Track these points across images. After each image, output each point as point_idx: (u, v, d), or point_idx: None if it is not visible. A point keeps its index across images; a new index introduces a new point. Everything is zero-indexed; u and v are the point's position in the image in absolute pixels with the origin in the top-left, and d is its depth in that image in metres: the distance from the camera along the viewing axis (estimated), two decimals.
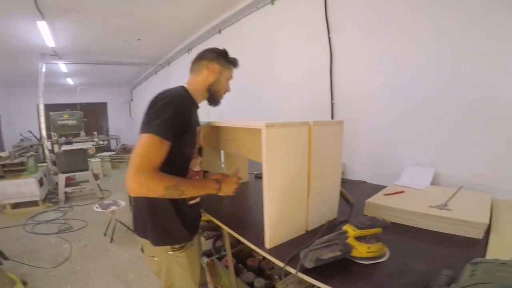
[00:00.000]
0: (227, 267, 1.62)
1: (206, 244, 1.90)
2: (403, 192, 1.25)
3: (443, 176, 1.41)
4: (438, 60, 1.39)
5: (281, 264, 0.84)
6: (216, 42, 3.40)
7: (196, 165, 1.12)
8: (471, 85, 1.29)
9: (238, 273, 1.69)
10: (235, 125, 1.09)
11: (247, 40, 2.84)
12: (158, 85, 6.09)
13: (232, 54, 3.14)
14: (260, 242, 0.95)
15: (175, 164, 0.98)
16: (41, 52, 4.27)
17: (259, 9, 2.58)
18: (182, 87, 1.10)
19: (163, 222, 1.05)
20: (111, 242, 2.93)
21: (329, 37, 1.92)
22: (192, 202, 1.12)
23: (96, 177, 4.78)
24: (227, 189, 1.09)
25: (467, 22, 1.27)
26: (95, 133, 8.54)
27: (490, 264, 0.55)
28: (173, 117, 0.91)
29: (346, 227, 0.79)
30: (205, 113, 4.00)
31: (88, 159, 4.80)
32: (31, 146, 5.46)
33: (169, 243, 1.07)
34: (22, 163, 4.03)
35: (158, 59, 5.43)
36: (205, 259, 1.74)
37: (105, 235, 3.07)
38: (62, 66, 5.41)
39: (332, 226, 1.06)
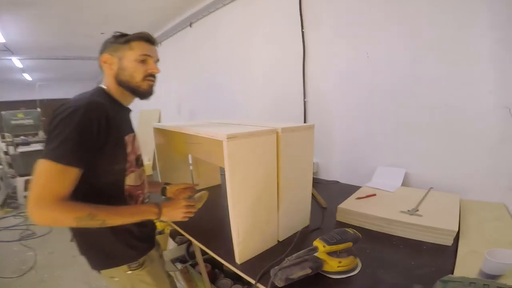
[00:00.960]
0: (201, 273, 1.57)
1: (179, 250, 1.83)
2: (375, 195, 1.25)
3: (414, 177, 1.43)
4: (410, 61, 1.39)
5: (252, 281, 0.80)
6: (187, 36, 3.26)
7: (135, 179, 0.96)
8: (440, 88, 1.30)
9: (214, 279, 1.64)
10: (196, 133, 0.99)
11: (220, 34, 2.74)
12: None
13: (204, 48, 3.04)
14: (230, 257, 0.90)
15: (103, 185, 0.86)
16: None
17: (233, 2, 2.48)
18: (100, 88, 0.94)
19: (98, 243, 0.92)
20: None
21: (302, 32, 1.88)
22: None
23: None
24: (173, 215, 0.94)
25: (442, 21, 1.27)
26: None
27: (459, 283, 0.53)
28: (78, 135, 0.73)
29: (316, 243, 0.76)
30: (175, 111, 3.90)
31: None
32: None
33: (112, 266, 0.95)
34: None
35: None
36: (179, 266, 1.67)
37: (71, 241, 2.87)
38: (17, 62, 4.97)
39: (304, 235, 1.03)
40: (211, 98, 3.04)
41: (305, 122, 1.96)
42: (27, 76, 6.84)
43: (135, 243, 0.96)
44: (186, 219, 0.96)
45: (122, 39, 0.92)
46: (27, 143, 4.80)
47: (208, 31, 2.89)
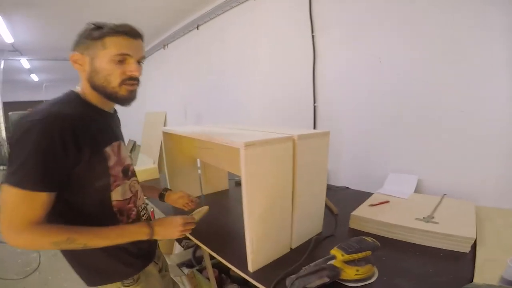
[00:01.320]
0: (208, 279, 1.54)
1: (186, 254, 1.80)
2: (388, 202, 1.22)
3: (426, 183, 1.40)
4: (424, 65, 1.37)
5: None
6: (194, 38, 3.26)
7: (123, 193, 0.86)
8: (454, 93, 1.28)
9: (221, 284, 1.61)
10: (211, 140, 0.97)
11: (227, 36, 2.73)
12: None
13: (210, 51, 3.03)
14: (243, 265, 0.88)
15: (86, 205, 0.77)
16: None
17: (241, 4, 2.47)
18: (72, 93, 0.81)
19: (89, 261, 0.84)
20: None
21: (312, 36, 1.86)
22: None
23: None
24: (168, 233, 0.86)
25: (457, 25, 1.25)
26: None
27: None
28: (38, 155, 0.63)
29: (334, 252, 0.74)
30: (182, 113, 3.89)
31: None
32: None
33: (105, 282, 0.87)
34: None
35: None
36: (186, 271, 1.65)
37: None
38: (25, 62, 5.02)
39: (317, 242, 1.01)
40: (217, 101, 3.03)
41: (314, 126, 1.94)
42: (34, 77, 6.90)
43: (130, 260, 0.89)
44: (183, 236, 0.90)
45: (95, 33, 0.75)
46: None
47: (216, 33, 2.89)
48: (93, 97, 0.81)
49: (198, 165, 1.67)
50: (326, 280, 0.69)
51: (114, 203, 0.83)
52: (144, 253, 0.95)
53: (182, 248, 1.79)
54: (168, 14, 3.18)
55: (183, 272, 1.62)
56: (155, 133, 4.22)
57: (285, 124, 2.16)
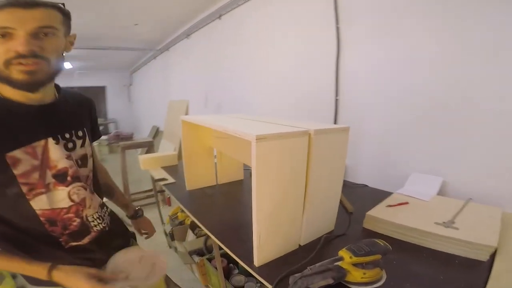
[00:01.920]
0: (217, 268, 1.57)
1: (198, 242, 1.84)
2: (407, 203, 1.16)
3: (451, 186, 1.31)
4: (455, 62, 1.26)
5: (269, 286, 0.76)
6: (216, 28, 3.25)
7: (50, 202, 0.74)
8: (488, 92, 1.17)
9: (228, 274, 1.63)
10: (225, 131, 0.96)
11: (248, 26, 2.69)
12: (157, 70, 5.95)
13: (232, 42, 3.03)
14: (248, 258, 0.87)
15: (5, 212, 0.70)
16: None
17: None
18: None
19: None
20: None
21: (337, 27, 1.78)
22: (73, 243, 0.80)
23: None
24: (71, 283, 0.69)
25: (495, 19, 1.13)
26: None
27: None
28: None
29: (342, 253, 0.71)
30: (202, 103, 3.95)
31: None
32: None
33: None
34: None
35: (157, 44, 5.25)
36: (196, 259, 1.68)
37: None
38: None
39: (328, 240, 0.97)
40: (237, 91, 3.02)
41: (335, 120, 1.87)
42: (68, 64, 7.23)
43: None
44: None
45: None
46: None
47: (237, 23, 2.85)
48: (3, 89, 0.68)
49: (215, 154, 1.68)
50: (331, 281, 0.66)
51: (39, 212, 0.73)
52: (91, 264, 0.81)
53: (195, 236, 1.82)
54: (191, 4, 3.18)
55: (194, 260, 1.66)
56: (177, 121, 4.29)
57: (305, 117, 2.11)
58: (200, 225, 1.19)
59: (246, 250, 0.90)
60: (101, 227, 0.89)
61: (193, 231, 1.98)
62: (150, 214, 3.43)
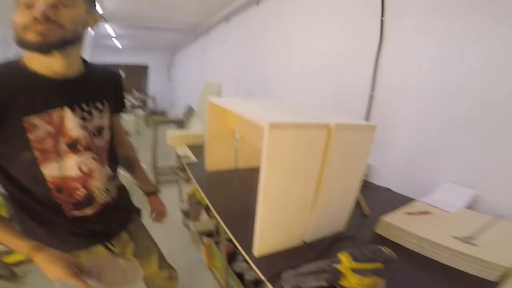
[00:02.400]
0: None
1: (209, 223, 1.88)
2: (429, 213, 1.07)
3: (484, 201, 1.18)
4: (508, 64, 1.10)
5: (263, 278, 0.75)
6: (253, 14, 3.21)
7: (61, 168, 0.78)
8: None
9: (232, 260, 1.65)
10: (241, 115, 0.93)
11: (286, 14, 2.61)
12: (196, 52, 6.07)
13: (268, 28, 2.98)
14: (249, 247, 0.86)
15: (18, 173, 0.75)
16: None
17: None
18: (10, 60, 0.76)
19: (34, 230, 0.82)
20: None
21: (382, 20, 1.65)
22: (76, 213, 0.85)
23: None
24: (49, 268, 0.72)
25: None
26: (132, 89, 8.96)
27: None
28: None
29: (341, 256, 0.67)
30: (234, 87, 3.99)
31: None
32: None
33: None
34: None
35: (197, 27, 5.35)
36: (205, 240, 1.73)
37: None
38: (109, 29, 5.61)
39: (334, 240, 0.94)
40: (268, 78, 2.98)
41: (367, 117, 1.77)
42: (117, 43, 7.65)
43: (66, 238, 0.86)
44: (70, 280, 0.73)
45: None
46: None
47: (275, 9, 2.78)
48: (30, 60, 0.74)
49: (237, 138, 1.68)
50: (323, 283, 0.63)
51: (48, 178, 0.77)
52: (89, 234, 0.90)
53: (208, 217, 1.86)
54: None
55: (202, 241, 1.70)
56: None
57: (336, 110, 2.02)
58: (211, 206, 1.20)
59: (248, 239, 0.89)
60: (106, 200, 0.92)
61: (207, 212, 2.03)
62: (172, 191, 3.59)
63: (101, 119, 0.88)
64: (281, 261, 0.80)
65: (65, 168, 0.80)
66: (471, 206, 1.17)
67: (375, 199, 1.36)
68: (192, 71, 6.55)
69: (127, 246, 1.08)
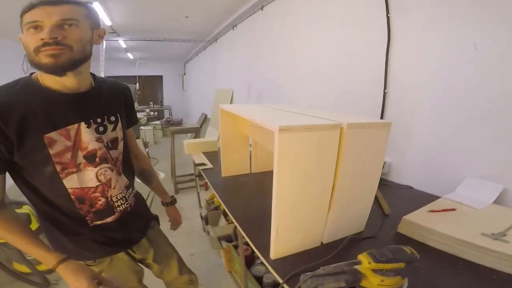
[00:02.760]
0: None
1: (228, 228, 1.89)
2: (454, 210, 1.02)
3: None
4: None
5: (280, 280, 0.74)
6: (258, 19, 3.24)
7: (81, 181, 0.83)
8: None
9: (250, 263, 1.65)
10: (252, 120, 0.94)
11: (291, 17, 2.61)
12: (207, 60, 6.17)
13: (275, 32, 3.00)
14: (266, 250, 0.86)
15: (40, 187, 0.80)
16: None
17: None
18: (24, 78, 0.79)
19: (58, 238, 0.88)
20: None
21: (388, 17, 1.61)
22: (98, 222, 0.89)
23: (145, 145, 5.11)
24: (72, 280, 0.75)
25: None
26: (151, 103, 9.24)
27: None
28: None
29: (361, 257, 0.65)
30: (246, 92, 4.01)
31: (140, 128, 5.15)
32: None
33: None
34: None
35: (206, 36, 5.45)
36: (224, 244, 1.74)
37: None
38: (121, 42, 5.79)
39: (354, 241, 0.91)
40: (278, 81, 2.98)
41: (382, 114, 1.72)
42: (130, 55, 7.89)
43: (90, 246, 0.90)
44: None
45: (20, 13, 0.73)
46: None
47: (280, 13, 2.79)
48: (42, 77, 0.78)
49: (250, 142, 1.68)
50: (343, 284, 0.62)
51: (70, 190, 0.81)
52: (111, 242, 0.94)
53: (226, 222, 1.87)
54: None
55: (221, 246, 1.71)
56: None
57: (349, 110, 1.98)
58: (228, 212, 1.21)
59: (265, 242, 0.88)
60: (124, 207, 0.96)
61: (225, 217, 2.04)
62: (191, 198, 3.63)
63: (114, 131, 0.92)
64: (298, 263, 0.79)
65: (84, 179, 0.84)
66: (498, 201, 1.11)
67: (396, 197, 1.32)
68: (204, 79, 6.66)
69: (148, 252, 1.11)
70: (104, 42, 4.84)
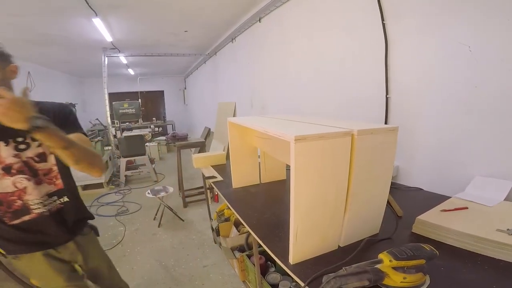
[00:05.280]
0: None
1: (240, 239, 1.90)
2: (466, 208, 1.04)
3: None
4: None
5: (301, 283, 0.76)
6: (256, 31, 3.33)
7: (4, 187, 1.02)
8: None
9: (265, 271, 1.65)
10: (265, 131, 0.98)
11: (288, 28, 2.69)
12: (207, 73, 6.27)
13: (272, 42, 3.09)
14: (284, 256, 0.88)
15: None
16: (103, 46, 4.69)
17: None
18: None
19: None
20: (158, 226, 3.12)
21: (383, 24, 1.67)
22: (16, 221, 1.06)
23: (151, 161, 5.15)
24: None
25: None
26: (154, 119, 9.33)
27: None
28: None
29: (382, 256, 0.67)
30: (249, 103, 4.06)
31: (146, 144, 5.20)
32: (100, 131, 6.14)
33: None
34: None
35: (205, 49, 5.55)
36: (237, 254, 1.74)
37: (154, 219, 3.29)
38: (122, 58, 5.89)
39: (370, 243, 0.93)
40: (281, 92, 3.03)
41: (386, 119, 1.76)
42: (131, 71, 8.03)
43: (10, 241, 1.08)
44: None
45: None
46: (130, 129, 5.70)
47: (277, 24, 2.88)
48: None
49: (259, 153, 1.72)
50: (366, 283, 0.64)
51: None
52: (27, 241, 1.09)
53: (238, 233, 1.88)
54: (232, 8, 3.30)
55: (235, 256, 1.71)
56: (225, 122, 4.50)
57: (353, 116, 2.02)
58: (242, 221, 1.23)
59: (282, 248, 0.91)
60: (41, 211, 1.08)
61: (236, 228, 2.05)
62: (201, 211, 3.66)
63: (40, 147, 1.06)
64: (317, 267, 0.81)
65: (2, 185, 1.01)
66: (508, 197, 1.12)
67: (406, 199, 1.34)
68: (205, 92, 6.75)
69: (76, 255, 1.23)
70: (106, 58, 4.93)
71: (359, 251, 0.87)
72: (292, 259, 0.84)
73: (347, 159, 0.82)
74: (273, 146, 1.37)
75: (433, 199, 1.22)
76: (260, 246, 1.06)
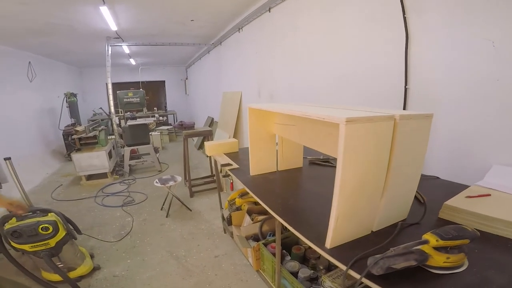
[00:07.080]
0: (273, 254, 1.62)
1: (253, 228, 1.91)
2: (489, 195, 1.07)
3: None
4: None
5: (343, 267, 0.79)
6: (266, 21, 3.29)
7: None
8: None
9: (281, 260, 1.69)
10: (307, 116, 0.99)
11: (299, 19, 2.67)
12: (211, 63, 6.21)
13: (283, 33, 3.04)
14: (319, 241, 0.90)
15: None
16: (106, 35, 4.61)
17: None
18: None
19: None
20: (166, 216, 3.11)
21: (404, 18, 1.67)
22: None
23: (156, 150, 5.13)
24: None
25: None
26: (155, 108, 9.30)
27: None
28: None
29: (427, 237, 0.70)
30: (255, 93, 4.03)
31: (149, 133, 5.19)
32: (102, 120, 6.11)
33: None
34: (95, 137, 4.46)
35: (210, 39, 5.48)
36: (252, 244, 1.76)
37: (161, 209, 3.28)
38: (125, 48, 5.81)
39: (401, 228, 0.96)
40: (292, 81, 3.02)
41: (404, 108, 1.77)
42: (132, 61, 7.94)
43: None
44: None
45: None
46: (134, 118, 5.67)
47: (289, 15, 2.84)
48: None
49: (277, 141, 1.72)
50: (413, 263, 0.67)
51: None
52: None
53: (251, 222, 1.89)
54: None
55: (250, 245, 1.73)
56: (231, 111, 4.50)
57: (369, 104, 2.03)
58: (268, 207, 1.24)
59: (315, 233, 0.94)
60: None
61: (249, 216, 2.07)
62: (208, 201, 3.66)
63: None
64: (354, 250, 0.83)
65: None
66: None
67: (425, 187, 1.36)
68: (208, 82, 6.70)
69: None
70: (110, 48, 4.86)
71: (392, 236, 0.90)
72: (329, 243, 0.87)
73: (388, 142, 0.85)
74: (299, 133, 1.37)
75: (451, 187, 1.26)
76: (282, 232, 1.08)
